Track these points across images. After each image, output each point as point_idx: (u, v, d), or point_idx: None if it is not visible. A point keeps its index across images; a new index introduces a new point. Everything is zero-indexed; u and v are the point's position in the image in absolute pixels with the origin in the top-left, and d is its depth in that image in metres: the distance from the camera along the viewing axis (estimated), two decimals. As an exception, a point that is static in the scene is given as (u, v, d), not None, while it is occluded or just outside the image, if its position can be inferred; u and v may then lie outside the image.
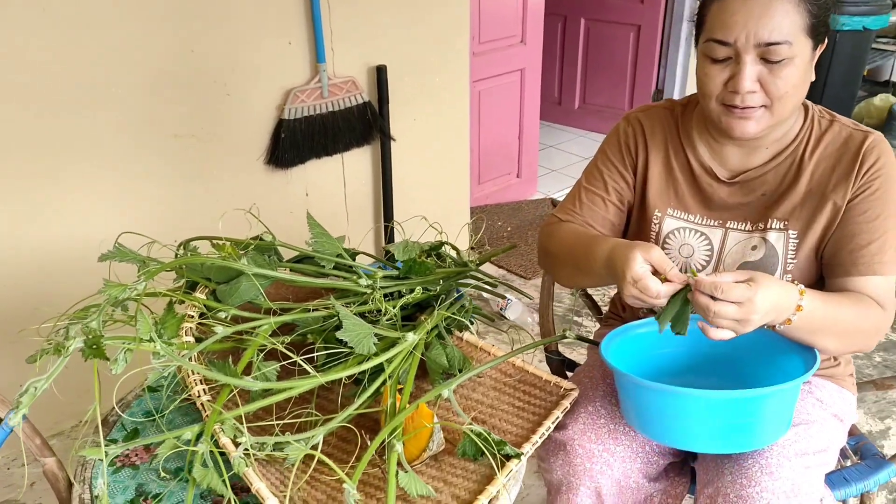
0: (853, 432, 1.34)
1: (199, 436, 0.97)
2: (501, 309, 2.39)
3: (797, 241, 1.19)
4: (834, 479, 1.23)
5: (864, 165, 1.14)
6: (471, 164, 2.70)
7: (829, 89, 3.77)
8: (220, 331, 1.09)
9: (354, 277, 1.25)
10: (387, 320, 1.18)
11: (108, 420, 1.19)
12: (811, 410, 1.20)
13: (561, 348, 1.54)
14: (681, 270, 1.18)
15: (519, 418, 1.17)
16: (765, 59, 1.08)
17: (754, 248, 1.23)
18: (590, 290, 1.70)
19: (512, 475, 1.02)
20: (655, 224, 1.31)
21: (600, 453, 1.16)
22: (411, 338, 1.13)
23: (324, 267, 1.25)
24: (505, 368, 1.27)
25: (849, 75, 3.76)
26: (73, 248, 1.85)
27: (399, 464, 0.98)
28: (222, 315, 1.14)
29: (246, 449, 0.96)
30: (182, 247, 1.27)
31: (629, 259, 1.05)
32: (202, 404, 1.02)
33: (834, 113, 1.21)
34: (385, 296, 1.23)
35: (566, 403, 1.16)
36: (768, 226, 1.21)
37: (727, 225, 1.26)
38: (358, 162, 2.36)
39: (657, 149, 1.30)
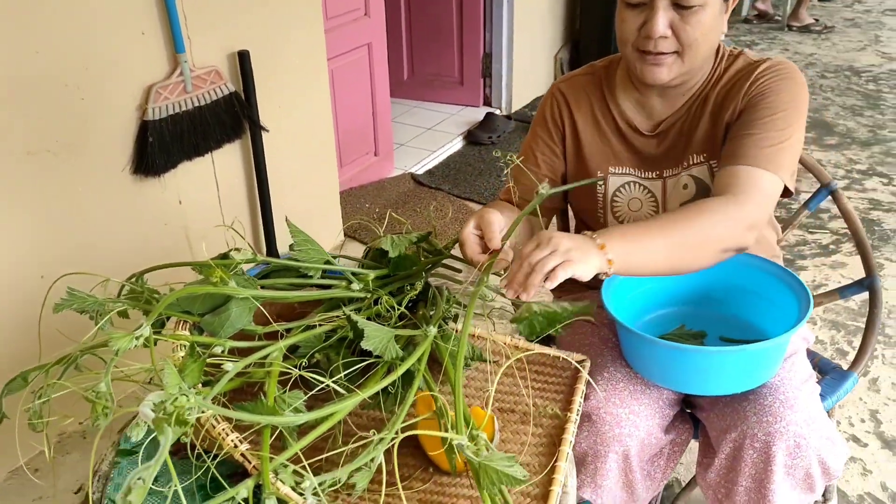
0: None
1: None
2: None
3: (717, 168, 1.24)
4: (816, 397, 1.34)
5: (756, 81, 1.19)
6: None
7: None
8: (231, 367, 0.94)
9: (343, 284, 1.14)
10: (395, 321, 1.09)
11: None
12: (794, 339, 1.29)
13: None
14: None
15: (543, 399, 1.14)
16: (677, 6, 1.12)
17: (685, 186, 1.30)
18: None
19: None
20: (601, 185, 1.34)
21: (627, 416, 1.16)
22: (432, 331, 1.05)
23: (310, 276, 1.12)
24: (509, 353, 1.24)
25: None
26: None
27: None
28: (218, 350, 0.99)
29: (315, 491, 0.84)
30: (135, 280, 1.08)
31: (466, 222, 1.09)
32: (243, 454, 0.88)
33: (745, 49, 1.28)
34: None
35: (583, 376, 1.15)
36: (691, 162, 1.27)
37: (664, 175, 1.31)
38: (228, 159, 2.16)
39: (584, 114, 1.33)
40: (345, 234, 2.74)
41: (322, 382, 0.94)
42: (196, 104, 1.97)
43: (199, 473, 0.90)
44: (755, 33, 5.49)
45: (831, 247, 2.70)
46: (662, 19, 1.12)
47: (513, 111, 3.90)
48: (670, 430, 1.26)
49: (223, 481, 0.86)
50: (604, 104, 1.33)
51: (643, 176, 1.32)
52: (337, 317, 1.09)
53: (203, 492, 0.99)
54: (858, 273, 1.47)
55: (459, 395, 0.90)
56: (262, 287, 1.08)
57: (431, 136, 3.56)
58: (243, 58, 2.07)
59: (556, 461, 0.99)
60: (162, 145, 1.90)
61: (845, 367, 1.40)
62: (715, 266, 1.10)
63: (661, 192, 1.31)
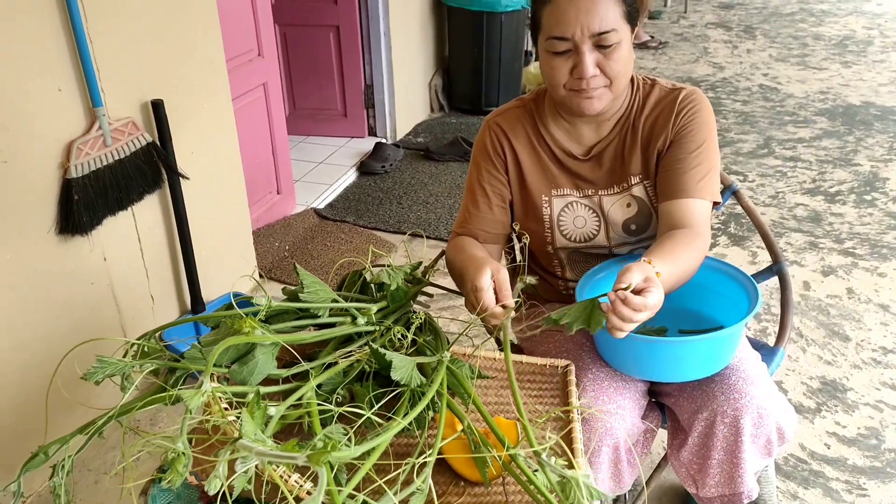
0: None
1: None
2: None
3: (651, 187, 1.43)
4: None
5: (679, 113, 1.39)
6: (242, 188, 2.57)
7: (504, 65, 4.28)
8: (274, 411, 0.97)
9: (348, 320, 1.19)
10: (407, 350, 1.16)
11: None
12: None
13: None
14: (580, 240, 1.45)
15: (542, 405, 1.24)
16: (599, 46, 1.27)
17: (628, 205, 1.46)
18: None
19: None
20: (546, 208, 1.47)
21: (615, 410, 1.29)
22: (447, 356, 1.13)
23: (319, 316, 1.16)
24: (499, 366, 1.33)
25: (515, 50, 4.31)
26: None
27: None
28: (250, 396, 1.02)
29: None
30: (149, 338, 1.08)
31: (480, 270, 1.17)
32: (308, 492, 0.91)
33: (654, 77, 1.46)
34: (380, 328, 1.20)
35: (573, 379, 1.27)
36: (630, 183, 1.43)
37: (600, 193, 1.46)
38: (147, 210, 2.11)
39: (522, 143, 1.46)
40: (259, 275, 2.73)
41: (362, 415, 0.99)
42: (116, 157, 1.92)
43: None
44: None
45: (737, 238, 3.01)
46: (590, 61, 1.27)
47: (398, 139, 4.01)
48: (644, 418, 1.39)
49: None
50: (538, 133, 1.46)
51: (582, 195, 1.46)
52: (351, 352, 1.14)
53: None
54: (764, 262, 1.69)
55: (521, 413, 0.98)
56: (279, 331, 1.11)
57: (325, 170, 3.60)
58: (157, 107, 2.04)
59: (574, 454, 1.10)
60: (87, 202, 1.84)
61: (769, 342, 1.61)
62: None
63: (599, 208, 1.46)
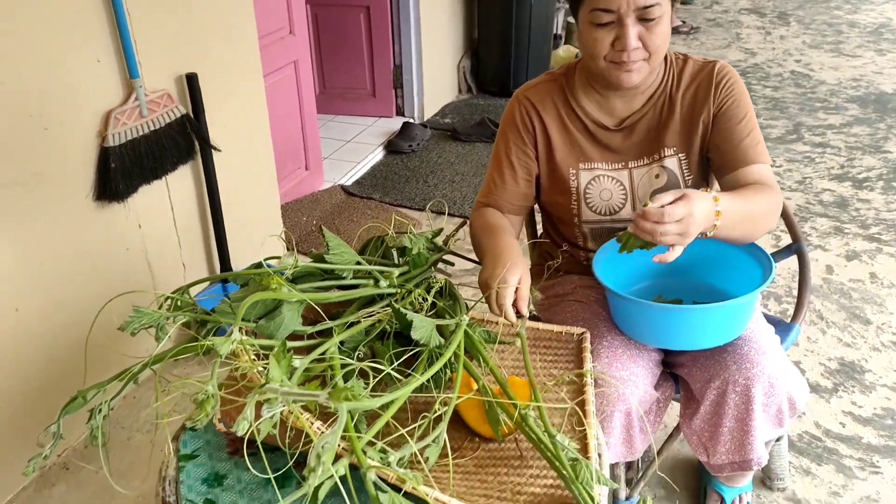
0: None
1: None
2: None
3: (686, 160, 1.46)
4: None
5: (718, 86, 1.42)
6: (272, 163, 2.64)
7: (533, 48, 4.29)
8: (299, 364, 1.02)
9: (371, 282, 1.24)
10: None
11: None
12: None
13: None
14: (606, 213, 1.48)
15: (558, 369, 1.28)
16: (642, 20, 1.30)
17: (657, 176, 1.48)
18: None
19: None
20: (573, 180, 1.50)
21: (628, 377, 1.32)
22: (465, 319, 1.17)
23: (345, 277, 1.21)
24: (513, 332, 1.37)
25: (545, 32, 4.32)
26: None
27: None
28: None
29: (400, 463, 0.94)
30: (183, 293, 1.13)
31: (513, 268, 1.23)
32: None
33: (684, 54, 1.49)
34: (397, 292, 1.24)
35: (587, 346, 1.31)
36: (662, 154, 1.46)
37: (629, 165, 1.48)
38: (180, 181, 2.18)
39: (551, 117, 1.48)
40: (286, 248, 2.79)
41: (382, 371, 1.04)
42: (152, 128, 1.99)
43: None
44: (631, 36, 5.91)
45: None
46: (633, 33, 1.29)
47: (426, 119, 4.05)
48: (657, 388, 1.43)
49: (296, 474, 0.94)
50: (568, 106, 1.49)
51: (610, 168, 1.49)
52: (374, 312, 1.19)
53: (271, 484, 1.07)
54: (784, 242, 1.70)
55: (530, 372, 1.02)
56: (304, 290, 1.16)
57: (353, 148, 3.65)
58: (192, 80, 2.10)
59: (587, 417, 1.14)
60: (123, 170, 1.91)
61: (787, 321, 1.63)
62: None
63: (629, 180, 1.48)
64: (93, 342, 1.78)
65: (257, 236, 2.57)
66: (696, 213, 1.13)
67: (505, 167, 1.51)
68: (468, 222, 1.54)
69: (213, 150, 2.20)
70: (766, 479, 1.78)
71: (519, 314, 1.22)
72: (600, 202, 1.49)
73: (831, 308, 2.47)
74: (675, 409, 1.59)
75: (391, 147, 3.64)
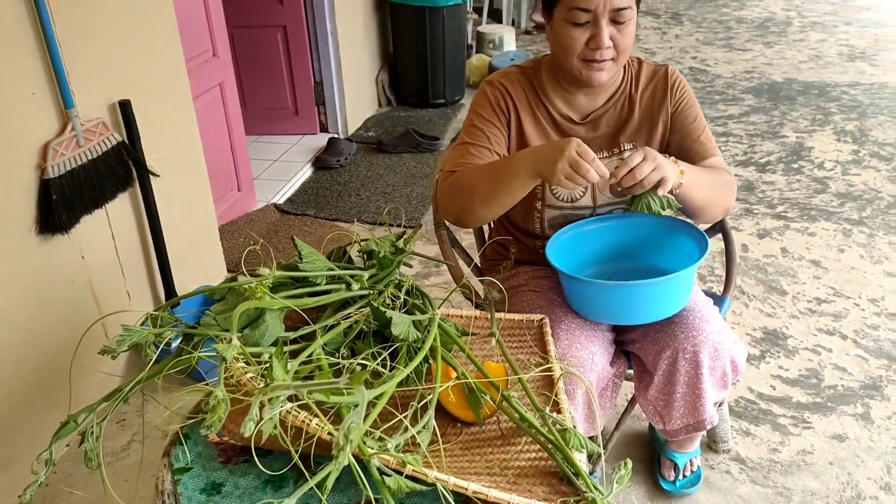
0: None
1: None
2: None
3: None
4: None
5: (673, 88, 1.56)
6: (205, 186, 2.64)
7: (448, 58, 4.41)
8: (291, 365, 1.07)
9: (343, 287, 1.29)
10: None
11: (169, 514, 1.07)
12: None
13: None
14: (568, 200, 1.58)
15: (524, 353, 1.37)
16: (614, 21, 1.42)
17: (617, 167, 1.60)
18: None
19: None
20: None
21: (587, 356, 1.43)
22: (438, 313, 1.24)
23: (318, 284, 1.26)
24: (477, 325, 1.45)
25: (458, 43, 4.44)
26: None
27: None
28: (265, 356, 1.12)
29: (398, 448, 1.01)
30: (164, 310, 1.16)
31: (567, 142, 1.32)
32: (329, 433, 1.02)
33: (637, 57, 1.62)
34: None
35: (549, 331, 1.40)
36: (622, 148, 1.58)
37: None
38: (120, 208, 2.16)
39: (523, 106, 1.57)
40: (227, 269, 2.79)
41: (367, 367, 1.10)
42: (90, 157, 1.98)
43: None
44: (538, 42, 6.12)
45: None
46: (606, 33, 1.40)
47: (350, 133, 4.10)
48: (613, 365, 1.54)
49: (305, 472, 0.99)
50: (537, 98, 1.57)
51: None
52: (350, 314, 1.25)
53: (270, 486, 1.12)
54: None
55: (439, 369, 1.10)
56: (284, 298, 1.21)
57: (281, 167, 3.67)
58: (125, 107, 2.10)
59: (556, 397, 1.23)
60: (65, 202, 1.89)
61: (718, 293, 1.77)
62: (631, 225, 1.42)
63: None
64: (49, 371, 1.76)
65: (197, 260, 2.57)
66: (649, 151, 1.31)
67: (480, 140, 1.53)
68: (437, 190, 1.56)
69: (150, 176, 2.20)
70: (711, 444, 1.93)
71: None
72: (564, 190, 1.58)
73: (750, 283, 2.66)
74: (625, 389, 1.71)
75: (319, 163, 3.68)
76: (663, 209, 1.37)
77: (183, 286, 2.42)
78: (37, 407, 1.90)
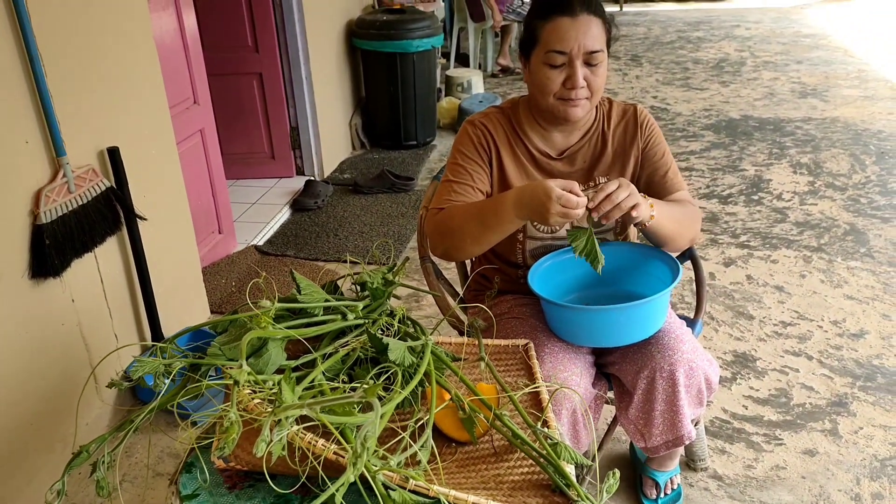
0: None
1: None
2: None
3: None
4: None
5: (642, 126, 1.68)
6: (187, 230, 2.70)
7: (419, 101, 4.54)
8: (296, 390, 1.14)
9: (338, 317, 1.36)
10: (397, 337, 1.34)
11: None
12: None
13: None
14: (548, 232, 1.66)
15: (511, 377, 1.44)
16: (588, 63, 1.53)
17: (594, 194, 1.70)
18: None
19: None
20: None
21: (571, 378, 1.51)
22: (431, 339, 1.32)
23: (315, 314, 1.33)
24: (469, 349, 1.53)
25: (428, 86, 4.58)
26: None
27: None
28: (269, 383, 1.18)
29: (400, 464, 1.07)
30: (170, 342, 1.22)
31: (547, 186, 1.38)
32: (336, 452, 1.08)
33: (608, 97, 1.73)
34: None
35: (534, 354, 1.48)
36: (597, 182, 1.68)
37: None
38: (107, 254, 2.21)
39: (503, 145, 1.67)
40: (210, 310, 2.83)
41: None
42: (80, 202, 2.03)
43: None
44: (504, 84, 6.30)
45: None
46: (581, 74, 1.52)
47: (325, 176, 4.18)
48: (594, 386, 1.62)
49: (313, 487, 1.05)
50: (516, 136, 1.67)
51: None
52: (347, 342, 1.32)
53: (277, 509, 1.17)
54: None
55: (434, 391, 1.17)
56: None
57: (260, 210, 3.73)
58: (113, 154, 2.16)
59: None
60: (57, 246, 1.94)
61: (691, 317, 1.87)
62: (607, 253, 1.51)
63: None
64: (39, 414, 1.78)
65: (181, 302, 2.61)
66: (623, 182, 1.39)
67: (464, 178, 1.62)
68: (425, 226, 1.64)
69: (138, 220, 2.25)
70: (690, 462, 2.00)
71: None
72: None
73: (719, 308, 2.78)
74: (607, 412, 1.78)
75: (297, 205, 3.75)
76: (597, 259, 1.41)
77: (169, 327, 2.46)
78: (28, 449, 1.92)
